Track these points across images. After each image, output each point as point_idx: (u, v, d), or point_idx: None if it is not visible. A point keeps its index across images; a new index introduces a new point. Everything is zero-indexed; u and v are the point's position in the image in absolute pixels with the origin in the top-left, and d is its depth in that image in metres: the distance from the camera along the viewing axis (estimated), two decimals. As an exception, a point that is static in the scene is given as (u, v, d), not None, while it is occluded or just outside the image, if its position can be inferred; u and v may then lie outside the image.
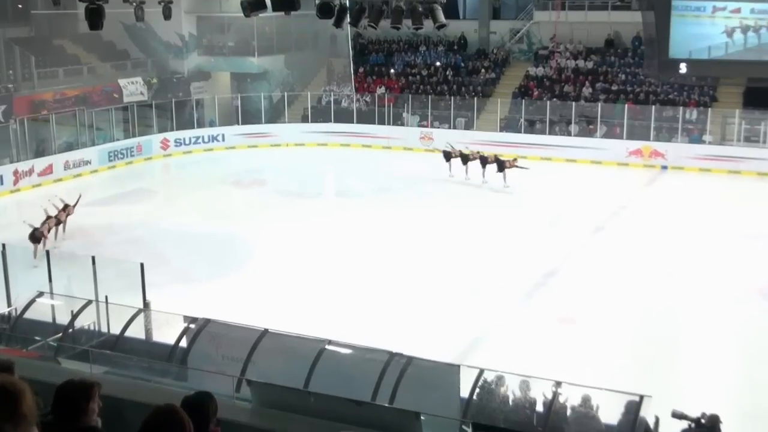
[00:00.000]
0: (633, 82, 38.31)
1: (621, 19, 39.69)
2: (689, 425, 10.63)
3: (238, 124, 39.85)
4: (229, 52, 42.91)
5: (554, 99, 38.28)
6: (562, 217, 26.34)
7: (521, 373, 11.99)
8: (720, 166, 33.72)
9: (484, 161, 30.70)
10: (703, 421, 10.52)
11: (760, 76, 23.50)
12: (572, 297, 19.36)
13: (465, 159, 31.63)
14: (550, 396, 11.10)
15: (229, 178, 33.13)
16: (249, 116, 40.31)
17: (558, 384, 11.20)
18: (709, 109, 35.73)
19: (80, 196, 24.58)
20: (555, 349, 16.16)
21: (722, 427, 10.56)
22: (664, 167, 34.33)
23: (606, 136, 36.50)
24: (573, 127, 37.03)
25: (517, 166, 29.48)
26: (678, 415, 10.75)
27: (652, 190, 31.17)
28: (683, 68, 24.02)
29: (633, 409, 10.66)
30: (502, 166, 29.82)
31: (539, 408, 11.28)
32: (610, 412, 11.07)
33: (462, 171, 31.36)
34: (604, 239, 24.40)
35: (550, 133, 37.17)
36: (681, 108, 35.79)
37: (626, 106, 36.45)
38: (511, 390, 11.55)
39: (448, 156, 32.42)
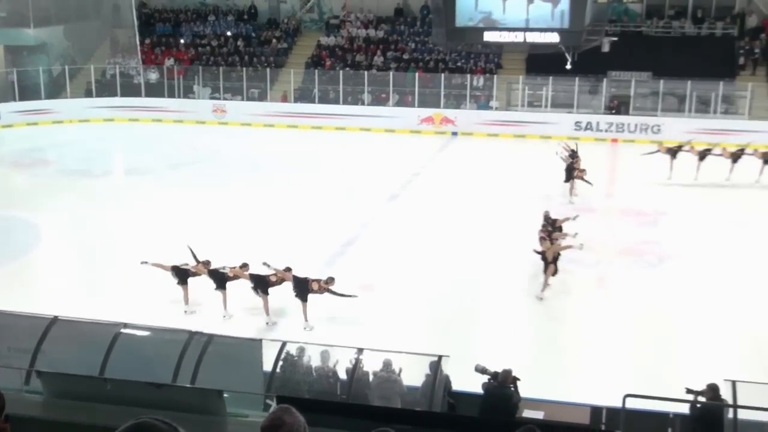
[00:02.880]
0: (423, 51, 39.38)
1: (410, -12, 40.69)
2: (489, 379, 11.24)
3: (15, 100, 37.63)
4: (2, 23, 40.29)
5: (347, 68, 38.71)
6: (358, 186, 26.77)
7: (323, 343, 12.19)
8: (506, 131, 35.41)
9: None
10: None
11: (538, 44, 24.84)
12: (371, 264, 19.77)
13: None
14: (352, 363, 11.35)
15: (6, 158, 31.28)
16: (27, 92, 38.14)
17: (360, 351, 11.47)
18: (495, 76, 37.41)
19: None
20: (356, 316, 16.48)
21: (519, 383, 11.24)
22: (455, 133, 35.63)
23: (398, 104, 37.40)
24: (366, 96, 37.64)
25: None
26: (480, 370, 11.35)
27: (444, 156, 32.31)
28: (469, 36, 24.93)
29: (434, 368, 11.11)
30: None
31: (342, 376, 11.52)
32: (412, 374, 11.48)
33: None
34: (399, 206, 25.07)
35: (343, 103, 37.61)
36: (469, 75, 37.24)
37: (417, 74, 37.46)
38: (314, 360, 11.72)
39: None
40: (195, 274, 16.80)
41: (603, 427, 11.31)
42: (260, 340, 11.87)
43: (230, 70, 39.50)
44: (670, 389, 11.20)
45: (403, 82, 37.78)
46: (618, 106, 35.62)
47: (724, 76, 35.38)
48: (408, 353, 12.25)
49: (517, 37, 24.71)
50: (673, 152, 27.17)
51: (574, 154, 26.07)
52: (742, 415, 10.43)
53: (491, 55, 38.17)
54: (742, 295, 17.71)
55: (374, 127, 35.98)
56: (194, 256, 16.98)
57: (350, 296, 16.16)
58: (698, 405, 10.89)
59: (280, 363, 11.36)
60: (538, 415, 11.25)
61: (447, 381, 11.27)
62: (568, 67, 25.71)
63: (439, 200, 25.37)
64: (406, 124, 36.12)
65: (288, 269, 16.33)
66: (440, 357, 11.12)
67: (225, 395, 7.34)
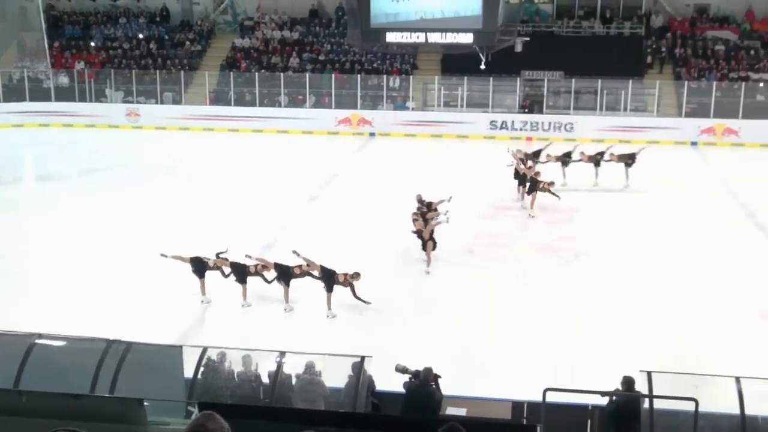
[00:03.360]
0: (338, 52, 39.40)
1: (324, -11, 40.66)
2: (410, 378, 11.30)
3: None
4: None
5: (262, 70, 38.48)
6: (276, 189, 26.62)
7: (246, 347, 12.09)
8: (423, 131, 35.70)
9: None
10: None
11: (453, 45, 25.02)
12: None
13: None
14: (274, 367, 11.28)
15: None
16: (-71, 98, 36.89)
17: (282, 354, 11.41)
18: (411, 76, 37.66)
19: None
20: (279, 321, 16.40)
21: (440, 381, 11.33)
22: (372, 134, 35.76)
23: (315, 106, 37.35)
24: (282, 98, 37.47)
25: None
26: (401, 369, 11.40)
27: (362, 157, 32.40)
28: (385, 37, 24.98)
29: (356, 369, 11.12)
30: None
31: (265, 380, 11.44)
32: (335, 375, 11.47)
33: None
34: (318, 208, 25.02)
35: (260, 105, 37.37)
36: (385, 76, 37.42)
37: (333, 75, 37.46)
38: (236, 365, 11.61)
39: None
40: (214, 268, 17.00)
41: (524, 422, 11.45)
42: (180, 347, 11.71)
43: (143, 74, 38.88)
44: (589, 382, 11.43)
45: (319, 84, 37.73)
46: (531, 105, 36.23)
47: (633, 75, 36.32)
48: (330, 355, 12.25)
49: (431, 38, 24.86)
50: (564, 161, 26.99)
51: (526, 160, 25.75)
52: (658, 404, 10.71)
53: (407, 56, 38.41)
54: (653, 287, 18.19)
55: (291, 129, 35.87)
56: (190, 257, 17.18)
57: (365, 302, 16.70)
58: (615, 397, 11.16)
59: (202, 369, 11.22)
60: (461, 412, 11.35)
61: (370, 381, 11.29)
62: (483, 67, 25.95)
63: (358, 201, 25.41)
64: (324, 125, 36.10)
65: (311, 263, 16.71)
66: (363, 357, 11.13)
67: (145, 403, 7.22)
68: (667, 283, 18.42)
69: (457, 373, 13.47)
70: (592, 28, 39.13)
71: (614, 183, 26.99)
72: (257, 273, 16.80)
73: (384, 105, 37.13)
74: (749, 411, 10.44)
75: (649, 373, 10.79)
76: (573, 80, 35.83)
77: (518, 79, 36.28)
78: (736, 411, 10.50)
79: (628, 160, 26.50)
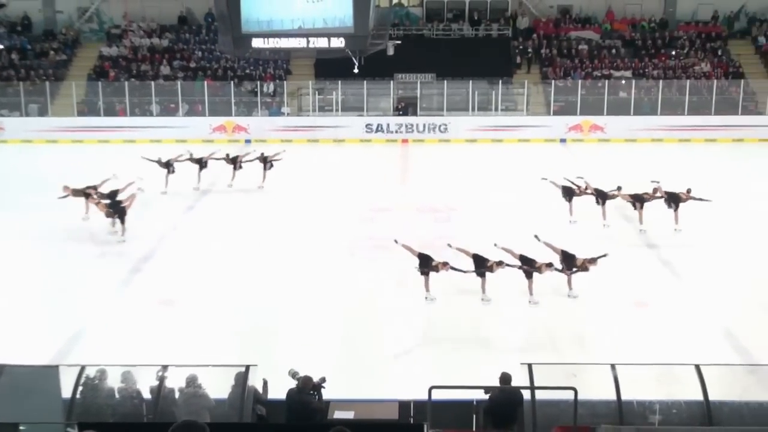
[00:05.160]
0: (210, 59, 38.88)
1: (192, -5, 40.02)
2: (296, 385, 11.26)
3: None
4: None
5: (132, 79, 37.58)
6: (152, 199, 26.01)
7: (126, 363, 11.78)
8: (299, 136, 35.61)
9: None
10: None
11: (325, 49, 25.04)
12: (170, 279, 19.29)
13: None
14: (156, 382, 11.02)
15: None
16: None
17: (164, 368, 11.16)
18: (285, 81, 37.49)
19: None
20: (158, 333, 16.05)
21: (325, 387, 11.33)
22: (248, 141, 35.39)
23: (188, 114, 36.71)
24: (154, 107, 36.70)
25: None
26: (291, 375, 11.36)
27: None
28: (256, 43, 24.74)
29: (241, 379, 10.98)
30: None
31: (147, 395, 11.16)
32: (219, 387, 11.29)
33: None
34: (196, 218, 24.61)
35: (131, 115, 36.49)
36: (258, 82, 37.12)
37: (205, 82, 36.92)
38: (116, 382, 11.28)
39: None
40: (435, 269, 17.50)
41: (411, 421, 11.55)
42: (57, 367, 11.32)
43: (6, 85, 37.33)
44: (473, 378, 11.63)
45: (192, 92, 37.11)
46: (406, 107, 36.62)
47: (502, 75, 37.19)
48: (214, 366, 12.07)
49: (303, 43, 24.80)
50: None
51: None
52: (539, 395, 10.99)
53: (279, 61, 38.22)
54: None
55: (165, 138, 35.09)
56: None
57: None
58: (497, 390, 11.40)
59: (80, 388, 10.86)
60: (348, 415, 11.35)
61: (255, 391, 11.17)
62: (356, 71, 26.08)
63: (235, 209, 25.13)
64: (198, 133, 35.47)
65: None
66: (248, 367, 11.01)
67: (21, 427, 6.95)
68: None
69: (344, 377, 13.48)
70: (462, 30, 39.87)
71: (486, 181, 27.58)
72: None
73: (259, 111, 36.84)
74: (625, 396, 10.86)
75: (529, 366, 11.05)
76: (445, 82, 36.39)
77: (391, 82, 36.62)
78: (613, 396, 10.89)
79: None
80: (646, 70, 37.76)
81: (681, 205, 21.99)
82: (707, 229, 22.31)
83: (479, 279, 17.49)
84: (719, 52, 38.83)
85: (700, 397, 11.00)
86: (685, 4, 40.63)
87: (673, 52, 38.73)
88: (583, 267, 17.59)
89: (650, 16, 40.58)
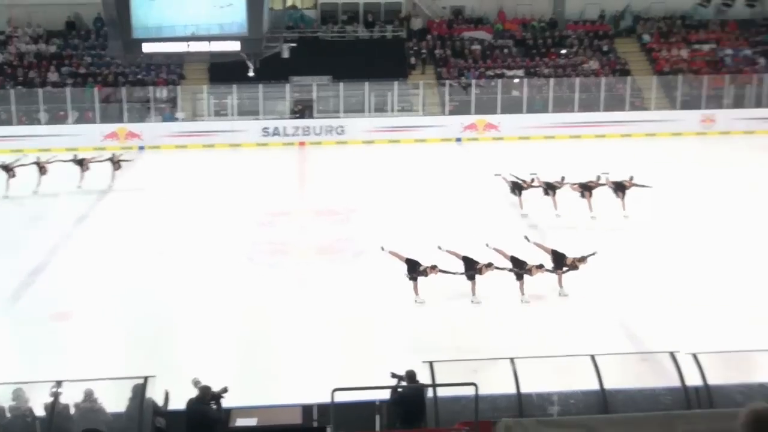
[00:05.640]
0: (100, 65, 37.93)
1: (80, 0, 38.87)
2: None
3: None
4: None
5: (18, 87, 36.36)
6: (42, 211, 25.27)
7: (15, 381, 11.38)
8: (194, 142, 35.07)
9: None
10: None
11: (220, 53, 24.77)
12: (65, 291, 18.74)
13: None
14: (50, 398, 10.69)
15: None
16: None
17: (58, 384, 10.83)
18: (179, 86, 36.88)
19: None
20: (54, 348, 15.56)
21: (225, 396, 11.19)
22: (141, 147, 34.70)
23: (79, 121, 35.76)
24: (42, 115, 35.61)
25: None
26: (194, 383, 11.18)
27: (132, 172, 31.25)
28: (147, 48, 24.27)
29: (139, 391, 10.75)
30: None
31: (40, 413, 10.81)
32: (116, 401, 11.03)
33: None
34: (89, 228, 23.98)
35: (19, 124, 35.32)
36: (151, 87, 36.42)
37: (96, 89, 36.02)
38: (7, 400, 10.89)
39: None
40: (424, 273, 17.48)
41: (315, 424, 11.51)
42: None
43: None
44: (376, 378, 11.66)
45: (81, 98, 36.14)
46: (303, 110, 36.48)
47: (398, 76, 37.41)
48: (111, 379, 11.79)
49: (197, 47, 24.46)
50: None
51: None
52: (441, 392, 11.10)
53: (172, 65, 37.58)
54: (431, 280, 18.77)
55: (54, 147, 33.93)
56: None
57: None
58: (399, 389, 11.46)
59: (-32, 409, 10.45)
60: (251, 421, 11.26)
61: (154, 403, 10.94)
62: (251, 74, 25.87)
63: (130, 217, 24.60)
64: (89, 141, 34.43)
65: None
66: (146, 378, 10.78)
67: None
68: (443, 275, 19.08)
69: (246, 383, 13.36)
70: (356, 32, 39.95)
71: (384, 181, 27.74)
72: None
73: (152, 117, 36.14)
74: (524, 389, 11.07)
75: (431, 364, 11.15)
76: (341, 84, 36.40)
77: (287, 85, 36.43)
78: (513, 390, 11.10)
79: None
80: (538, 68, 38.56)
81: (627, 192, 23.29)
82: (597, 225, 22.93)
83: (460, 281, 17.62)
84: (606, 50, 39.97)
85: (596, 386, 11.32)
86: (573, 3, 41.67)
87: (563, 51, 39.66)
88: (573, 266, 17.80)
89: (540, 16, 41.44)
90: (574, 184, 23.74)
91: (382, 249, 18.64)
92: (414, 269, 17.62)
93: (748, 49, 39.92)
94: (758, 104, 37.44)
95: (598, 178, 23.81)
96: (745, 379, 12.39)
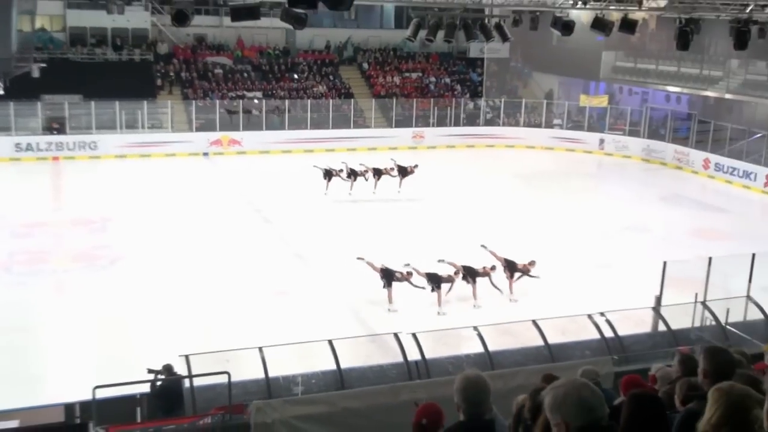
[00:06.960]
0: None
1: None
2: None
3: None
4: None
5: None
6: None
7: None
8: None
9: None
10: None
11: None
12: None
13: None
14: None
15: None
16: None
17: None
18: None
19: None
20: None
21: None
22: None
23: None
24: None
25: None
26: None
27: None
28: None
29: None
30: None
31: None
32: None
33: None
34: None
35: None
36: None
37: None
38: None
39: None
40: (399, 280, 16.82)
41: (78, 421, 10.90)
42: None
43: None
44: (138, 374, 11.24)
45: None
46: (60, 127, 34.20)
47: (147, 96, 36.14)
48: None
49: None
50: None
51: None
52: (198, 382, 10.93)
53: None
54: (185, 281, 18.43)
55: None
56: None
57: None
58: (158, 383, 11.15)
59: None
60: (13, 424, 10.47)
61: None
62: (1, 92, 23.95)
63: None
64: None
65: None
66: None
67: None
68: (196, 276, 18.79)
69: (6, 387, 12.40)
70: (105, 55, 38.06)
71: (137, 192, 26.74)
72: None
73: None
74: (272, 373, 11.15)
75: (186, 357, 10.96)
76: (92, 102, 34.54)
77: (39, 102, 34.03)
78: (262, 375, 11.15)
79: None
80: (274, 91, 38.80)
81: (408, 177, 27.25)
82: (331, 227, 23.53)
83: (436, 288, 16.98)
84: (332, 77, 41.01)
85: (333, 366, 11.63)
86: (303, 34, 42.18)
87: (295, 76, 40.20)
88: (525, 270, 17.61)
89: (275, 45, 41.68)
90: (368, 169, 26.94)
91: (359, 259, 17.61)
92: (389, 278, 16.92)
93: (448, 78, 42.70)
94: (456, 123, 40.13)
95: (391, 168, 27.50)
96: (453, 351, 13.29)
